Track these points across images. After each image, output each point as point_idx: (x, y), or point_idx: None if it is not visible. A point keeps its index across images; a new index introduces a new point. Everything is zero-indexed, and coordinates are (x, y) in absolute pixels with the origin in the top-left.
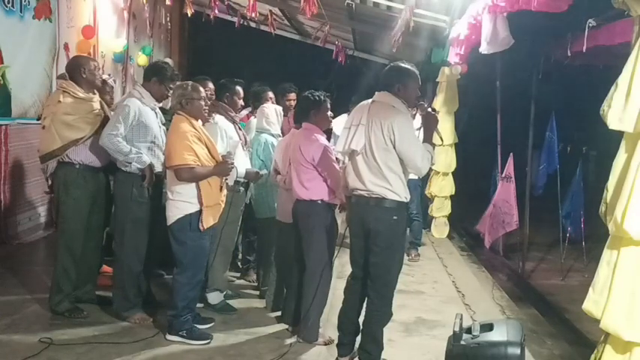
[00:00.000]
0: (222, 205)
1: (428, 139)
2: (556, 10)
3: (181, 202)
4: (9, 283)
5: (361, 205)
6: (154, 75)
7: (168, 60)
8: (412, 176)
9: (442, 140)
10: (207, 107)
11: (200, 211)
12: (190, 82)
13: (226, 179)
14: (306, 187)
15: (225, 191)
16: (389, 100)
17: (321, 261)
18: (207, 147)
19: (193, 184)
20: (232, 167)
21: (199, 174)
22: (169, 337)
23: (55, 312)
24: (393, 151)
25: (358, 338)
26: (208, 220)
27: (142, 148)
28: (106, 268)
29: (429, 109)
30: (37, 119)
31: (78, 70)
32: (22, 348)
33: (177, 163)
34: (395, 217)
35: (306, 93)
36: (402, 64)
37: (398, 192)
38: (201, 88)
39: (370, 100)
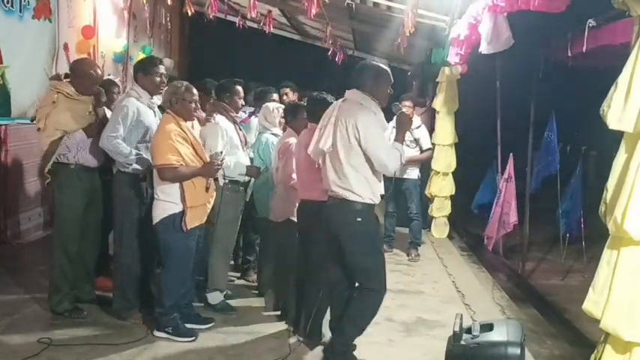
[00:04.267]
0: (209, 206)
1: (399, 138)
2: (554, 11)
3: (166, 202)
4: (9, 283)
5: (328, 207)
6: (138, 71)
7: (167, 60)
8: (412, 176)
9: (432, 144)
10: (196, 110)
11: (183, 212)
12: (185, 83)
13: (213, 180)
14: (316, 187)
15: (213, 192)
16: (357, 97)
17: (324, 260)
18: (192, 147)
19: (177, 184)
20: (219, 168)
21: (182, 174)
22: (157, 333)
23: (55, 312)
24: (358, 149)
25: None
26: (192, 221)
27: (141, 148)
28: (102, 281)
29: (403, 110)
30: (32, 120)
31: (81, 76)
32: (22, 348)
33: (160, 163)
34: (358, 219)
35: (314, 94)
36: (374, 63)
37: (360, 193)
38: (195, 91)
39: (342, 99)
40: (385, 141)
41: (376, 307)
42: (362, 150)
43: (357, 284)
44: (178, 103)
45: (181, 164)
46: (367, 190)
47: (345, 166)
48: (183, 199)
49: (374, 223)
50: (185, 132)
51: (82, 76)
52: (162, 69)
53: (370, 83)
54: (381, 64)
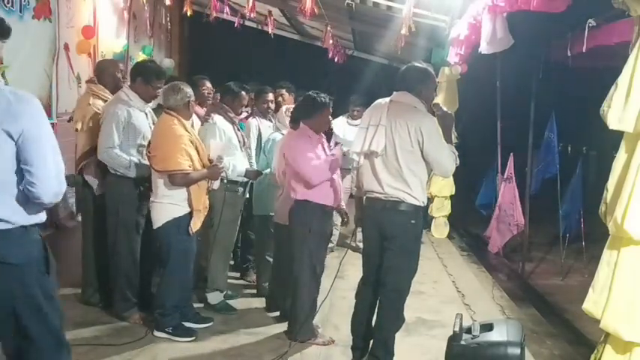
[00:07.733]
0: (207, 209)
1: (447, 139)
2: (554, 10)
3: (170, 204)
4: None
5: (377, 209)
6: (139, 75)
7: (167, 60)
8: None
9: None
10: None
11: (189, 215)
12: (187, 86)
13: (212, 183)
14: (294, 187)
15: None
16: (409, 100)
17: (306, 260)
18: (197, 149)
19: (184, 188)
20: (222, 171)
21: (193, 179)
22: (157, 333)
23: (88, 303)
24: (418, 153)
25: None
26: (197, 224)
27: (133, 152)
28: None
29: (445, 109)
30: (69, 120)
31: (108, 74)
32: None
33: (173, 169)
34: (412, 222)
35: (310, 93)
36: (420, 65)
37: (416, 196)
38: None
39: (388, 100)
40: (446, 146)
41: (402, 307)
42: (422, 155)
43: (382, 289)
44: (190, 105)
45: (192, 169)
46: (422, 194)
47: (404, 170)
48: (190, 203)
49: (422, 225)
50: (191, 134)
51: (109, 71)
52: (162, 84)
53: (419, 86)
54: (427, 67)
